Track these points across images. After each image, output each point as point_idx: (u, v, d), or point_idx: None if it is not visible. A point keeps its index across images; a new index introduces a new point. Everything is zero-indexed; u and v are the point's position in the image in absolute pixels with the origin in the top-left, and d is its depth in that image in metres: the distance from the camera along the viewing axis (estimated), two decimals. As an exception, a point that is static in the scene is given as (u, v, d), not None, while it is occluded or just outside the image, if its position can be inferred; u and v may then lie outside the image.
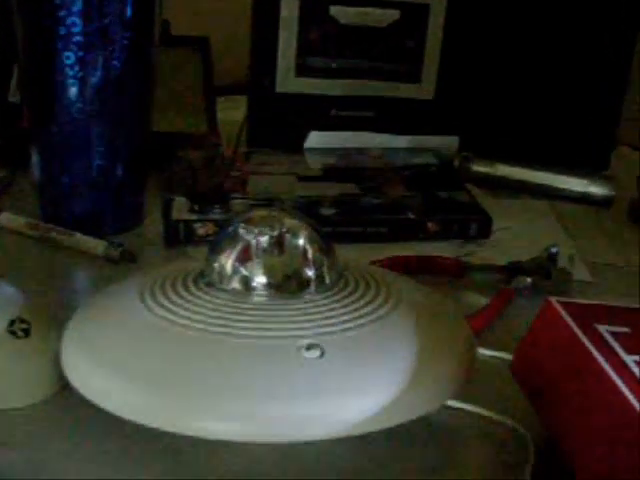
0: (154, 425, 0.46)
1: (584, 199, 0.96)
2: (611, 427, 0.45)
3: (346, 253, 0.60)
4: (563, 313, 0.51)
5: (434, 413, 0.51)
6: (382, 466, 0.51)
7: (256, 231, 0.54)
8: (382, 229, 0.80)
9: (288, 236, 0.54)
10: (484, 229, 0.82)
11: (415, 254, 0.76)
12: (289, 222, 0.55)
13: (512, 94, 1.01)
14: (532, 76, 1.00)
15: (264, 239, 0.54)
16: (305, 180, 0.89)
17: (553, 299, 0.53)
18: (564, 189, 0.97)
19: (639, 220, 0.91)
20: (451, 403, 0.55)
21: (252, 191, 0.85)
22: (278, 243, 0.54)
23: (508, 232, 0.84)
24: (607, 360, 0.47)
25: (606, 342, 0.49)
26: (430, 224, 0.81)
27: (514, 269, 0.73)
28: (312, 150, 0.99)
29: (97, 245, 0.74)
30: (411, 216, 0.81)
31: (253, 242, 0.54)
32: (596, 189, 0.96)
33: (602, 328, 0.51)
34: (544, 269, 0.73)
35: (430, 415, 0.51)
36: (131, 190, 0.81)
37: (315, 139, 0.99)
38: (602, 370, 0.46)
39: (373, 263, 0.72)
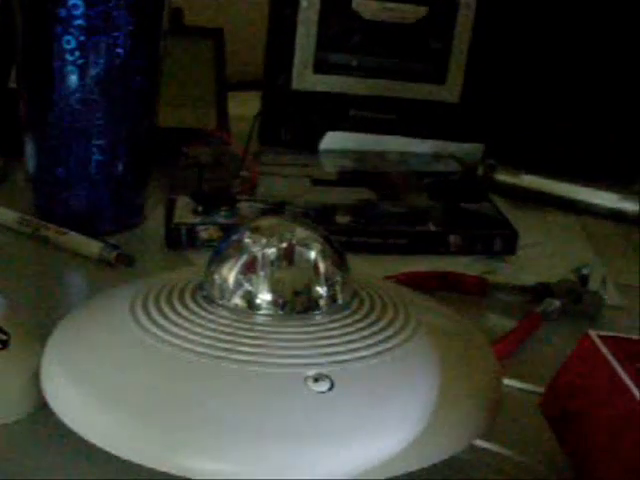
0: (136, 461, 0.40)
1: (614, 215, 0.90)
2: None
3: (361, 265, 0.54)
4: (603, 349, 0.46)
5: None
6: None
7: (263, 241, 0.48)
8: (401, 241, 0.75)
9: (299, 248, 0.49)
10: (509, 245, 0.76)
11: (435, 269, 0.70)
12: (300, 232, 0.49)
13: (541, 101, 0.96)
14: (562, 84, 0.95)
15: (272, 251, 0.48)
16: (319, 184, 0.84)
17: (592, 333, 0.47)
18: (593, 204, 0.91)
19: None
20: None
21: (261, 194, 0.79)
22: (287, 256, 0.48)
23: (534, 249, 0.79)
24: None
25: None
26: (452, 237, 0.75)
27: (542, 291, 0.68)
28: (328, 152, 0.94)
29: (92, 246, 0.69)
30: (432, 228, 0.76)
31: (259, 254, 0.48)
32: (628, 205, 0.90)
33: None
34: (574, 292, 0.67)
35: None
36: (132, 188, 0.75)
37: (331, 140, 0.94)
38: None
39: (390, 278, 0.66)
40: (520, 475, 0.48)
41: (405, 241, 0.75)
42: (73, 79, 0.68)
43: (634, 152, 0.98)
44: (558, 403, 0.48)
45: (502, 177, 0.92)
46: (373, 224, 0.76)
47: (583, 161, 0.95)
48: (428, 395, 0.43)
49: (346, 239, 0.72)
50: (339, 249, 0.50)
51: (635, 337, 0.50)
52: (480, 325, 0.64)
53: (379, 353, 0.45)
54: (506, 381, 0.55)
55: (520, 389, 0.56)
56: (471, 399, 0.45)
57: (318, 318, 0.48)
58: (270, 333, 0.46)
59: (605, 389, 0.44)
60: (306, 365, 0.43)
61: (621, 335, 0.49)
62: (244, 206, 0.76)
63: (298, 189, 0.82)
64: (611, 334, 0.48)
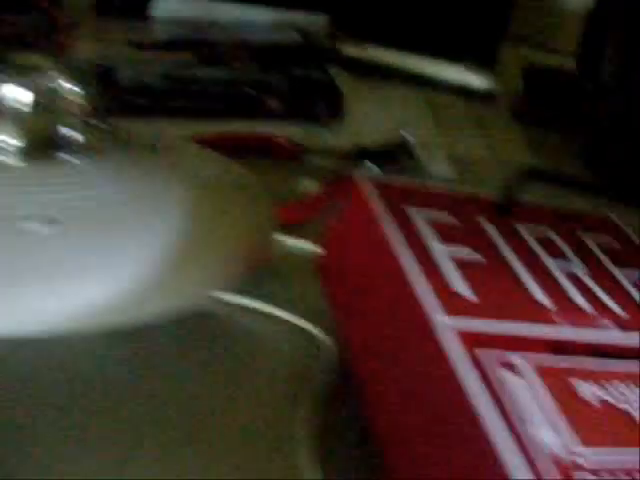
0: None
1: (463, 91, 0.87)
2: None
3: (171, 128, 0.50)
4: (365, 189, 0.42)
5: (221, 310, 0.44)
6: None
7: (8, 80, 0.44)
8: (217, 105, 0.70)
9: (47, 89, 0.44)
10: (334, 109, 0.73)
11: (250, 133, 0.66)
12: (53, 75, 0.45)
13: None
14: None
15: (17, 90, 0.43)
16: (141, 49, 0.78)
17: (360, 176, 0.43)
18: (441, 79, 0.87)
19: (522, 117, 0.83)
20: (247, 303, 0.47)
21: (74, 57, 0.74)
22: (35, 97, 0.44)
23: (364, 117, 0.75)
24: (414, 255, 0.38)
25: (417, 230, 0.40)
26: (270, 101, 0.71)
27: (358, 154, 0.65)
28: (160, 19, 0.88)
29: None
30: (250, 91, 0.71)
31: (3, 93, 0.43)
32: (476, 81, 0.87)
33: (414, 211, 0.42)
34: (391, 155, 0.64)
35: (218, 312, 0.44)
36: None
37: (165, 7, 0.88)
38: (403, 271, 0.37)
39: (196, 140, 0.62)
40: (299, 337, 0.46)
41: (222, 105, 0.70)
42: None
43: (490, 33, 0.94)
44: (331, 263, 0.44)
45: (347, 49, 0.88)
46: (188, 87, 0.71)
47: (436, 39, 0.91)
48: (168, 242, 0.40)
49: (158, 102, 0.68)
50: (96, 96, 0.46)
51: (416, 183, 0.46)
52: (288, 188, 0.61)
53: (127, 198, 0.42)
54: (291, 242, 0.52)
55: (308, 251, 0.53)
56: (222, 245, 0.42)
57: (64, 163, 0.43)
58: (9, 178, 0.41)
59: (373, 247, 0.41)
60: (31, 205, 0.39)
61: (397, 181, 0.45)
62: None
63: (117, 54, 0.76)
64: (385, 179, 0.44)
